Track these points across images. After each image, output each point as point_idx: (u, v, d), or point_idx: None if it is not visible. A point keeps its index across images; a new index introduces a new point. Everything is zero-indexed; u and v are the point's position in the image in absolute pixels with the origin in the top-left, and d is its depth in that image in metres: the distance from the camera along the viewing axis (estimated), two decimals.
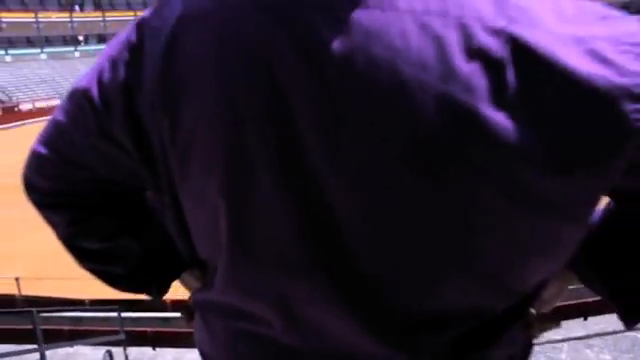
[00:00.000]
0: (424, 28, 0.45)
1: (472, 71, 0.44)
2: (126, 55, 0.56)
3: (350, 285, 0.52)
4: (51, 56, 48.95)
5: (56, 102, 41.20)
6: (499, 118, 0.44)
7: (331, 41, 0.46)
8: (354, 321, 0.53)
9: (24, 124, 36.62)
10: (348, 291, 0.52)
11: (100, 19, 53.47)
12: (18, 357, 5.21)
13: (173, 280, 0.75)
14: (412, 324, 0.54)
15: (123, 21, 54.50)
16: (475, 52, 0.44)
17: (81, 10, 53.61)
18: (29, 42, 49.36)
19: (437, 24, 0.45)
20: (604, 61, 0.44)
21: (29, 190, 0.71)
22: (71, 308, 6.14)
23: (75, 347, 6.32)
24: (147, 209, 0.71)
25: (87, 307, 7.88)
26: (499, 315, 0.55)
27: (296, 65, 0.48)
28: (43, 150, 0.66)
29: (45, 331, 5.70)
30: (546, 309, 0.66)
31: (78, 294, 8.94)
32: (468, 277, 0.51)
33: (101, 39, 53.69)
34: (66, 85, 45.00)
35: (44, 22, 49.84)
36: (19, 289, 8.44)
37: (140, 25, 0.57)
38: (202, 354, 0.70)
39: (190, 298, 0.70)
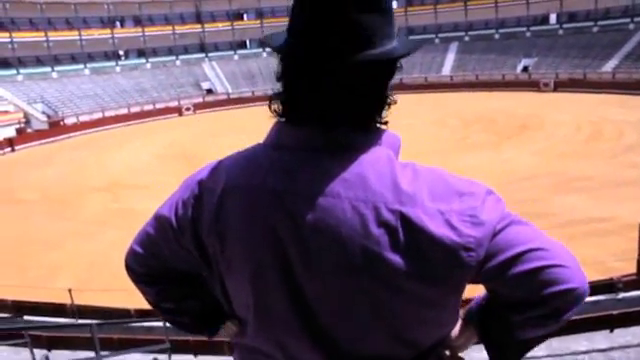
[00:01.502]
0: (354, 208, 0.85)
1: (380, 233, 0.84)
2: (192, 201, 0.99)
3: (321, 339, 0.93)
4: (94, 71, 50.67)
5: (98, 115, 42.64)
6: (395, 258, 0.84)
7: (306, 213, 0.88)
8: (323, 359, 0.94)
9: (69, 137, 37.98)
10: (320, 342, 0.93)
11: (140, 34, 55.09)
12: None
13: (221, 327, 1.14)
14: None
15: (161, 36, 56.10)
16: (381, 222, 0.84)
17: (122, 26, 55.31)
18: (73, 59, 51.22)
19: (361, 206, 0.85)
20: (452, 227, 0.83)
21: (129, 272, 1.13)
22: (121, 321, 6.60)
23: (125, 355, 6.83)
24: (203, 282, 1.12)
25: (134, 318, 8.40)
26: (414, 358, 0.94)
27: (288, 226, 0.89)
28: (138, 249, 1.09)
29: (99, 339, 6.21)
30: (460, 351, 1.04)
31: (124, 304, 9.53)
32: (389, 336, 0.90)
33: (140, 53, 55.39)
34: (107, 99, 46.52)
35: (87, 39, 51.67)
36: (72, 299, 9.02)
37: (200, 183, 0.99)
38: None
39: (231, 339, 1.11)
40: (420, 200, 0.85)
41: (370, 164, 0.88)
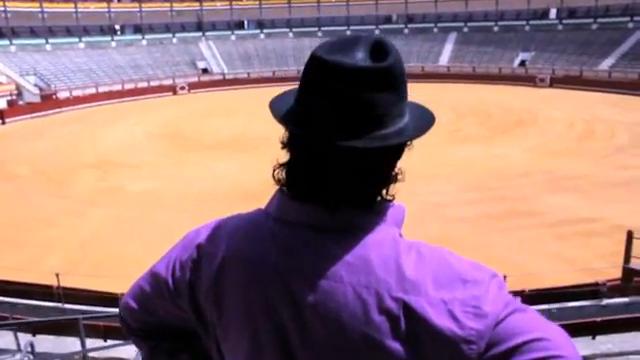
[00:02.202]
0: (356, 293, 0.83)
1: (381, 320, 0.82)
2: (190, 264, 0.96)
3: None
4: (88, 45, 50.08)
5: (92, 90, 42.24)
6: (395, 346, 0.82)
7: (307, 294, 0.86)
8: None
9: (61, 111, 37.61)
10: None
11: (137, 10, 54.41)
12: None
13: None
14: None
15: (159, 12, 55.45)
16: (383, 310, 0.82)
17: (119, 1, 54.61)
18: (68, 32, 50.57)
19: (364, 292, 0.83)
20: (455, 319, 0.81)
21: (123, 324, 1.12)
22: (106, 315, 6.58)
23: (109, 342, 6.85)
24: (198, 337, 1.10)
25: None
26: None
27: (287, 303, 0.88)
28: (133, 304, 1.06)
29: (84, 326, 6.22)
30: None
31: (112, 287, 9.53)
32: None
33: (137, 29, 54.77)
34: (101, 74, 46.06)
35: (83, 12, 51.00)
36: (58, 282, 9.00)
37: (200, 247, 0.97)
38: None
39: None
40: (424, 288, 0.83)
41: (374, 246, 0.86)
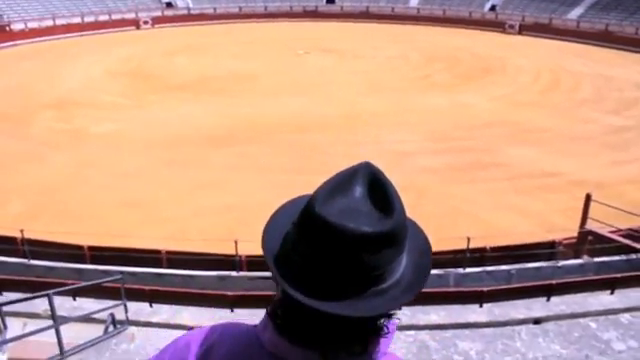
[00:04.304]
0: None
1: None
2: None
3: None
4: None
5: (49, 23, 40.21)
6: None
7: None
8: None
9: (16, 44, 35.82)
10: None
11: None
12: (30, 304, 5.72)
13: None
14: None
15: None
16: None
17: None
18: None
19: None
20: None
21: None
22: (76, 287, 6.52)
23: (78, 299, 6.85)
24: None
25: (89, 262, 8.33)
26: None
27: None
28: None
29: (54, 284, 6.19)
30: None
31: (76, 239, 9.42)
32: None
33: None
34: (59, 5, 43.77)
35: None
36: (22, 235, 8.83)
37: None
38: None
39: None
40: None
41: None
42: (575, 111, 20.26)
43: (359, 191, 0.82)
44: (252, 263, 8.71)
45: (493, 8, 47.63)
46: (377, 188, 0.83)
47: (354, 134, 17.12)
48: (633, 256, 8.29)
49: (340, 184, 0.83)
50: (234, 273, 8.76)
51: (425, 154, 15.60)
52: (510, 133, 17.54)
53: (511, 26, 43.28)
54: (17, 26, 38.71)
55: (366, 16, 47.93)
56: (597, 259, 8.45)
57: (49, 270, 8.30)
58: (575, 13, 43.47)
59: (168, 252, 8.80)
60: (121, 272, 7.18)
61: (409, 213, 0.86)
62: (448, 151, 15.88)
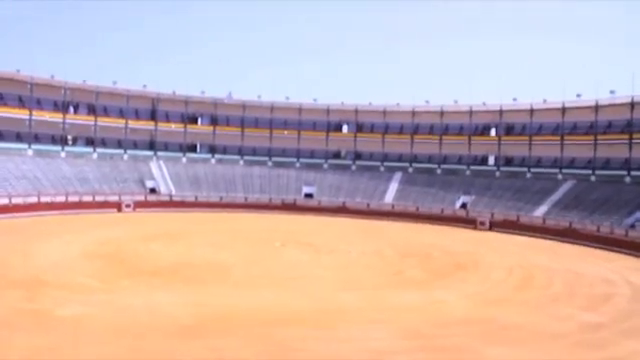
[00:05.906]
0: None
1: None
2: None
3: None
4: (37, 153, 49.60)
5: (33, 199, 41.08)
6: None
7: None
8: None
9: None
10: None
11: (92, 123, 54.94)
12: None
13: None
14: None
15: (113, 127, 56.07)
16: None
17: (75, 112, 55.13)
18: (18, 137, 50.16)
19: None
20: None
21: None
22: None
23: None
24: None
25: None
26: None
27: None
28: None
29: None
30: None
31: None
32: None
33: (89, 142, 54.90)
34: (46, 183, 45.19)
35: (37, 120, 51.05)
36: None
37: None
38: None
39: None
40: None
41: None
42: (549, 308, 20.39)
43: None
44: None
45: (464, 206, 50.36)
46: None
47: (327, 330, 16.79)
48: None
49: None
50: None
51: (399, 353, 15.22)
52: (485, 331, 17.38)
53: (482, 223, 45.49)
54: (1, 201, 39.49)
55: (343, 211, 50.13)
56: None
57: None
58: (540, 211, 46.17)
59: None
60: None
61: None
62: (422, 349, 15.53)
